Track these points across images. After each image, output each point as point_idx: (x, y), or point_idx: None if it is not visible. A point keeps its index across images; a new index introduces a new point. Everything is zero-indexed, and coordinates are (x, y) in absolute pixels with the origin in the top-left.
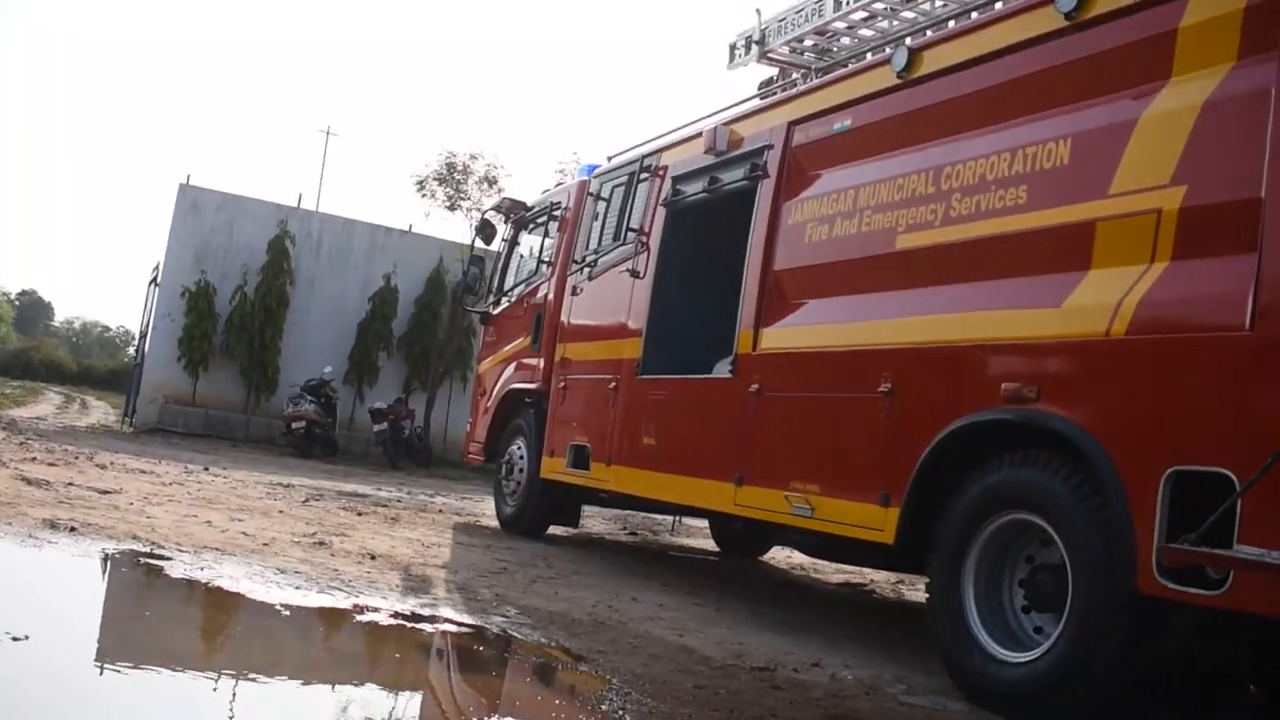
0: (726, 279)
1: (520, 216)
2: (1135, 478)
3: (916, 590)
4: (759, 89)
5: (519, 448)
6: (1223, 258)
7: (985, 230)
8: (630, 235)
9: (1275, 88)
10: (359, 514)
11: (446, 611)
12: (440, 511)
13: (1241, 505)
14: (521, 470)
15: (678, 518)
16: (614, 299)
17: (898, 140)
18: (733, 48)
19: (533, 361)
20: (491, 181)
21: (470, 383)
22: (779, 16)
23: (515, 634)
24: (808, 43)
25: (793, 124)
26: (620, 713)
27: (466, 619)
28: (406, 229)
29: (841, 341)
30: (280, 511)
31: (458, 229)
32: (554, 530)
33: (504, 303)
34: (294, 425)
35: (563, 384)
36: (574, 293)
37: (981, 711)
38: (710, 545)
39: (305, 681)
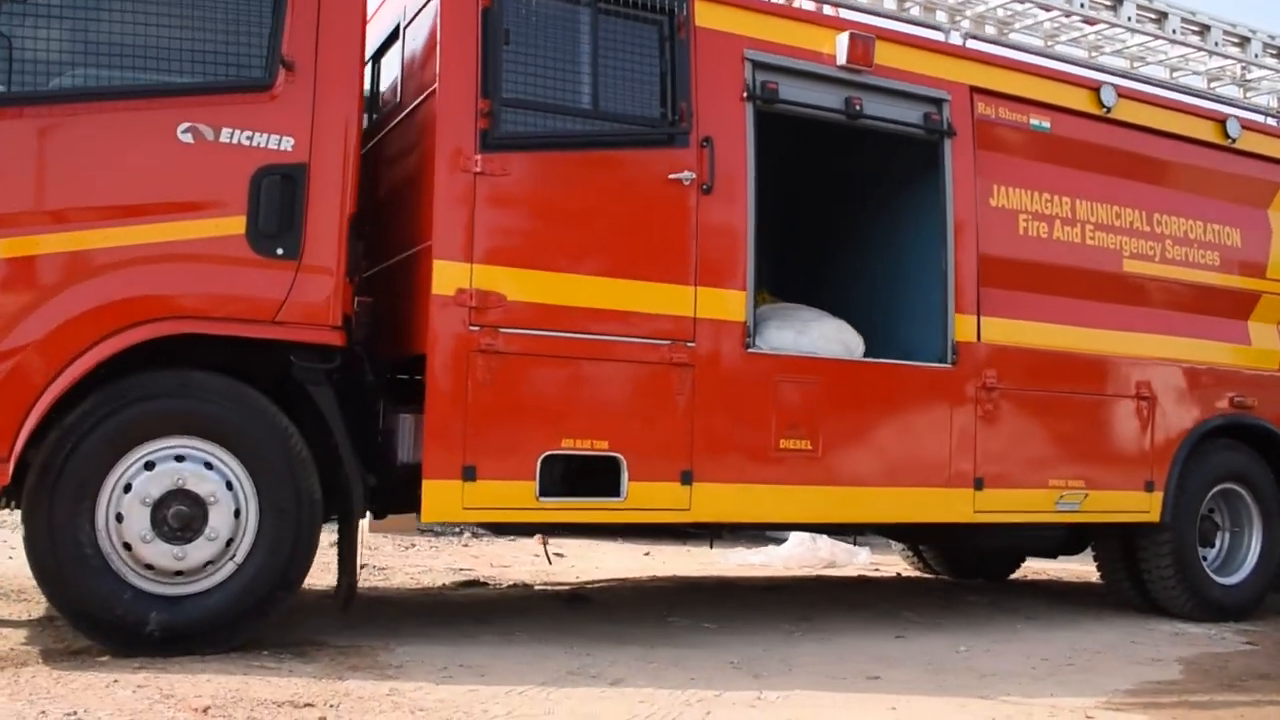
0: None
1: None
2: None
3: None
4: None
5: (205, 463)
6: None
7: (1193, 277)
8: (676, 118)
9: None
10: None
11: None
12: None
13: None
14: (238, 513)
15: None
16: (630, 212)
17: (1103, 166)
18: None
19: (266, 279)
20: None
21: None
22: None
23: None
24: None
25: (975, 90)
26: None
27: None
28: None
29: (1091, 346)
30: None
31: None
32: None
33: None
34: None
35: (489, 344)
36: (495, 172)
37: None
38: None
39: None
